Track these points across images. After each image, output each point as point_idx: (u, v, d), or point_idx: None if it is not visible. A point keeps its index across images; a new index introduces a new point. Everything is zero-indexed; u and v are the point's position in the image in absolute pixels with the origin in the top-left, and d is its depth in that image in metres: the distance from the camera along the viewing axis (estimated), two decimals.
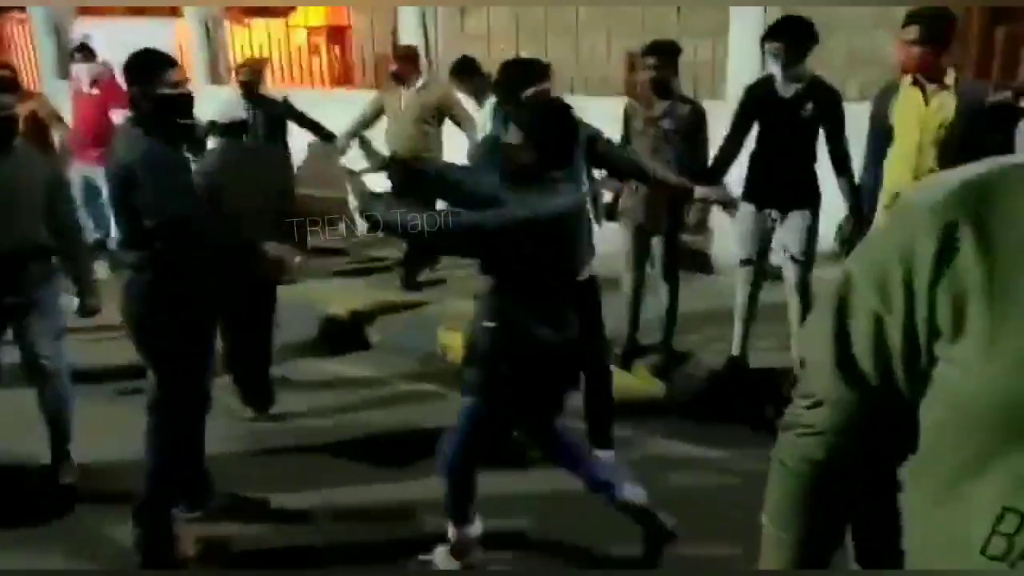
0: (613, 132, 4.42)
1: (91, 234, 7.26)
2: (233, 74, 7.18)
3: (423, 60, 6.67)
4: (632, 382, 4.72)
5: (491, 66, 7.78)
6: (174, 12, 9.62)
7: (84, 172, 7.28)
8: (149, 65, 3.17)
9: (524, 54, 7.68)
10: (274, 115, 6.64)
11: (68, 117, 7.51)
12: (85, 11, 10.25)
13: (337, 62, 10.61)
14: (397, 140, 6.23)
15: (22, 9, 10.63)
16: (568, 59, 7.26)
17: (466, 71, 5.86)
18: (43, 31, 9.78)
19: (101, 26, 9.83)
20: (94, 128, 7.22)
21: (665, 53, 4.52)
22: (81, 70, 7.48)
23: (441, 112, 6.23)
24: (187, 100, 3.19)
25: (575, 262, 3.23)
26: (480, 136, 5.22)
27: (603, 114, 4.53)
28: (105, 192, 5.45)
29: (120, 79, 7.08)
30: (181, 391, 3.24)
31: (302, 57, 10.59)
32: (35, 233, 3.69)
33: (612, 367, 4.17)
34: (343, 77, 10.50)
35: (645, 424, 4.33)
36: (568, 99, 3.30)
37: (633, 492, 3.05)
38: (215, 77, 8.88)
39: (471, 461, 3.00)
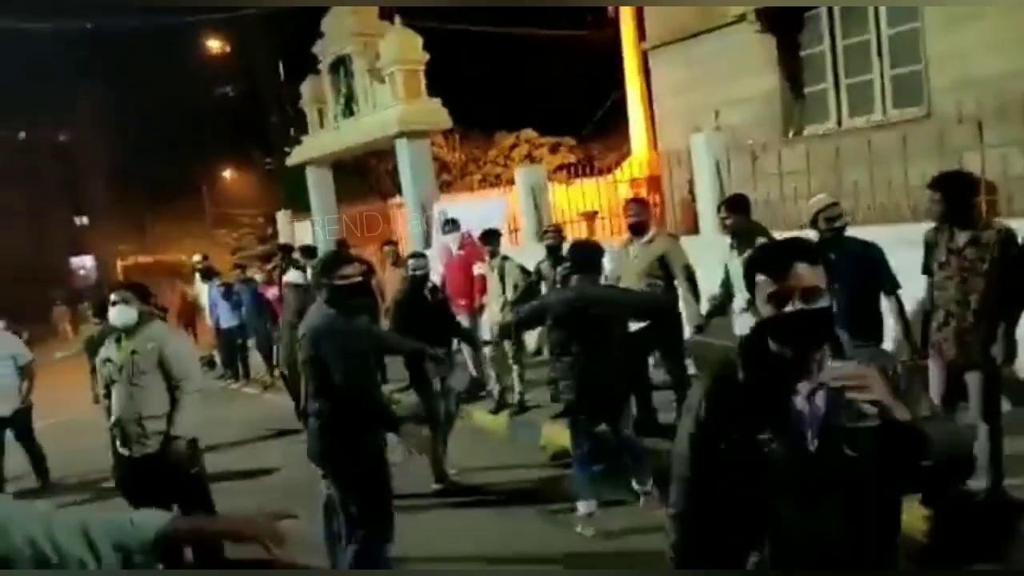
0: (913, 260, 4.27)
1: None
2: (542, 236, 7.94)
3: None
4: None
5: (783, 202, 8.38)
6: (510, 184, 11.05)
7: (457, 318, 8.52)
8: (331, 264, 4.27)
9: (815, 187, 8.25)
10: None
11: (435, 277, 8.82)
12: (445, 190, 12.04)
13: (657, 209, 11.40)
14: None
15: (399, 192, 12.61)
16: (863, 188, 7.49)
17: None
18: (414, 211, 11.56)
19: (454, 203, 11.50)
20: (461, 282, 8.38)
21: (950, 187, 4.09)
22: (452, 239, 8.86)
23: (666, 264, 6.06)
24: (357, 287, 4.21)
25: None
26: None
27: (901, 241, 4.49)
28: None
29: (477, 242, 8.33)
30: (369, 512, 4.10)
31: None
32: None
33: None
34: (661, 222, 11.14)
35: None
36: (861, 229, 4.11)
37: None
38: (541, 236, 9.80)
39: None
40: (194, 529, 1.86)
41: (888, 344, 4.77)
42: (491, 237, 7.86)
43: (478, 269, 8.32)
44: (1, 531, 1.70)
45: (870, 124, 8.39)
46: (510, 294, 7.50)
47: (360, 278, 4.27)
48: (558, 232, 7.55)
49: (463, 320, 8.11)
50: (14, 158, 37.19)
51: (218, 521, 1.94)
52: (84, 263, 39.59)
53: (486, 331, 8.01)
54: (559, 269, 6.98)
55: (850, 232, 4.96)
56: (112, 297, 4.82)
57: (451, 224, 9.03)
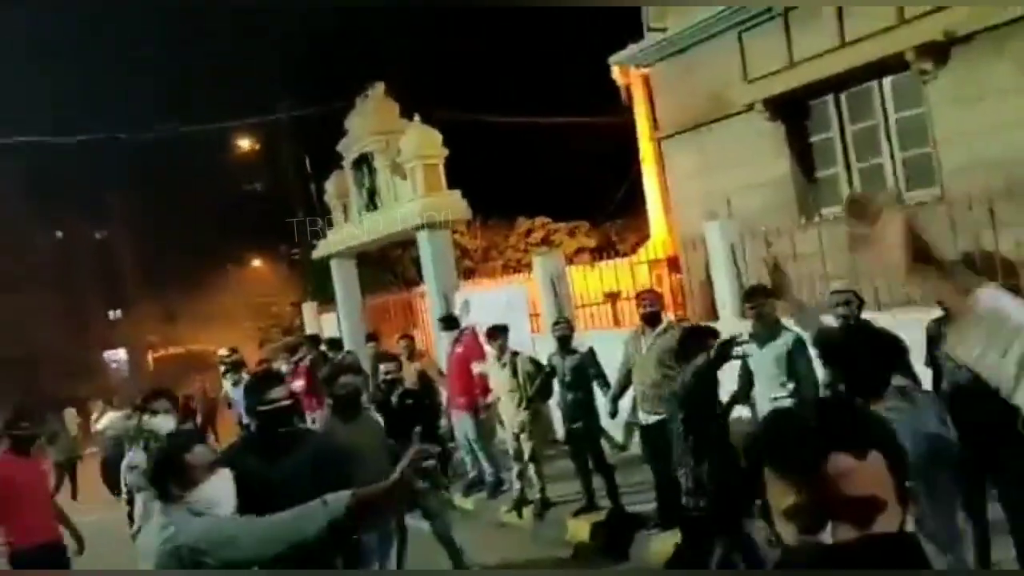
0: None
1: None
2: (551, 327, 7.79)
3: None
4: None
5: (799, 285, 8.37)
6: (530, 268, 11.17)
7: (456, 419, 8.35)
8: (257, 386, 3.82)
9: (831, 271, 8.25)
10: (578, 364, 7.07)
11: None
12: (468, 277, 12.15)
13: (678, 291, 11.40)
14: (640, 383, 6.33)
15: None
16: (876, 271, 7.48)
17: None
18: (436, 301, 11.68)
19: (475, 292, 11.63)
20: (457, 379, 8.35)
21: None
22: (446, 336, 8.91)
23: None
24: (283, 412, 3.69)
25: None
26: None
27: (915, 324, 4.46)
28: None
29: (481, 338, 8.37)
30: None
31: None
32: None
33: None
34: (681, 305, 11.07)
35: None
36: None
37: None
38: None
39: None
40: (373, 493, 2.45)
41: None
42: (499, 333, 7.67)
43: (477, 368, 8.25)
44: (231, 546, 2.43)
45: None
46: (525, 389, 7.41)
47: (287, 402, 3.82)
48: (568, 324, 7.55)
49: (463, 419, 8.05)
50: (52, 257, 38.26)
51: (386, 483, 2.45)
52: (117, 356, 40.15)
53: (504, 428, 7.89)
54: (568, 360, 7.02)
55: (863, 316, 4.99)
56: (154, 406, 4.92)
57: (446, 322, 9.03)
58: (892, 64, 7.95)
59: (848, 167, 8.86)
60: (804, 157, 9.21)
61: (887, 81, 8.34)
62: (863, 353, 2.78)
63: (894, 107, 8.37)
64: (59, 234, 41.21)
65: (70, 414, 14.85)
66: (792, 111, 9.05)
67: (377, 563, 4.70)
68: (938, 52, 7.58)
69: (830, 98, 8.82)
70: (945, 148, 7.83)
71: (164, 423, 4.81)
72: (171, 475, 2.66)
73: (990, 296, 1.39)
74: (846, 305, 4.93)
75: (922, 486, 2.22)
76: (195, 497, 2.62)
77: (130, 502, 4.95)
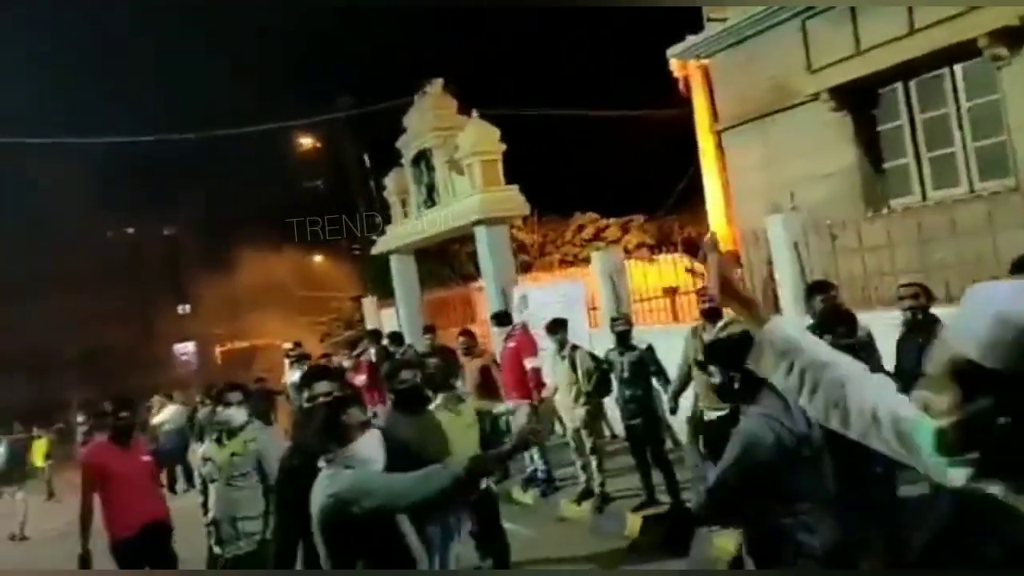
0: None
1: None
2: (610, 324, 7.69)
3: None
4: None
5: (866, 279, 8.16)
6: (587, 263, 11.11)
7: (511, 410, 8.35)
8: (305, 380, 3.85)
9: (899, 264, 8.01)
10: (637, 360, 7.03)
11: None
12: (525, 271, 12.15)
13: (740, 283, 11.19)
14: (698, 379, 6.26)
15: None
16: (948, 264, 7.24)
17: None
18: (494, 296, 11.73)
19: (534, 286, 11.63)
20: (510, 374, 8.35)
21: None
22: (498, 332, 8.93)
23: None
24: (327, 407, 3.45)
25: None
26: None
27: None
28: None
29: (532, 332, 8.31)
30: None
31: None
32: None
33: None
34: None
35: None
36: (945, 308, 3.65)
37: None
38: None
39: None
40: (488, 458, 3.21)
41: None
42: (559, 327, 7.58)
43: (531, 363, 8.23)
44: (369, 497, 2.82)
45: (955, 197, 8.16)
46: (583, 384, 7.38)
47: (331, 396, 3.77)
48: (627, 320, 7.47)
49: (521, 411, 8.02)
50: (124, 253, 39.57)
51: (499, 451, 3.24)
52: (187, 349, 41.30)
53: (568, 421, 7.85)
54: (627, 356, 6.97)
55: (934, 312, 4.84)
56: (228, 398, 5.05)
57: (499, 318, 9.04)
58: (964, 50, 7.67)
59: (918, 157, 8.60)
60: (871, 147, 8.96)
61: (959, 68, 8.06)
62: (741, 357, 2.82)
63: (966, 95, 8.08)
64: (130, 230, 42.61)
65: (157, 401, 15.48)
66: (859, 100, 8.81)
67: (437, 558, 4.72)
68: (1013, 37, 7.28)
69: (899, 86, 8.56)
70: (1020, 137, 7.53)
71: (237, 415, 4.94)
72: (332, 436, 2.96)
73: (778, 325, 1.71)
74: (914, 299, 4.80)
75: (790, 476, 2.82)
76: (349, 453, 2.93)
77: (204, 492, 5.08)
